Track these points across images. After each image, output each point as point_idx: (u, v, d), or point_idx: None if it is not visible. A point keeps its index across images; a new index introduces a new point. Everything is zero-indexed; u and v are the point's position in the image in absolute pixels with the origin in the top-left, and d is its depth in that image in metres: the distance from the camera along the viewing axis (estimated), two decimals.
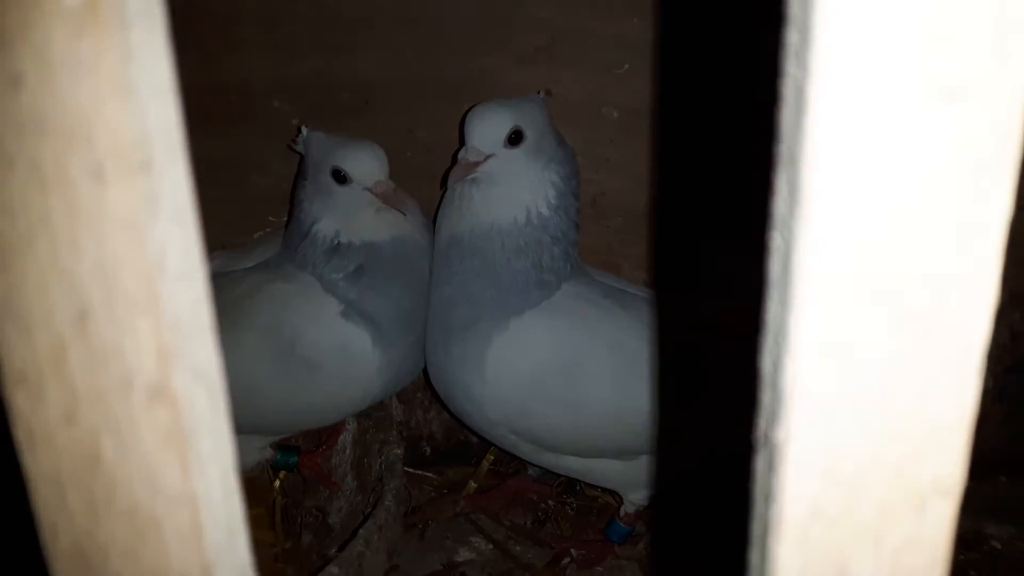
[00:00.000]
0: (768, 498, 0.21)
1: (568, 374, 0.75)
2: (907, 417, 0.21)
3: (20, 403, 0.19)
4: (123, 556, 0.20)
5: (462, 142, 0.73)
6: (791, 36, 0.19)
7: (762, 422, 0.21)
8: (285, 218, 0.86)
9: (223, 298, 0.79)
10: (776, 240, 0.20)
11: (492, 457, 0.93)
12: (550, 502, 0.91)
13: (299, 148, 0.79)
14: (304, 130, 0.78)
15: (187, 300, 0.19)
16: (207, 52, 0.87)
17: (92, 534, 0.19)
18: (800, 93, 0.19)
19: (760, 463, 0.21)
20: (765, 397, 0.21)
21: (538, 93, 0.78)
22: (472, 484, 0.92)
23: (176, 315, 0.19)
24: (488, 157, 0.71)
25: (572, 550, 0.85)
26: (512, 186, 0.72)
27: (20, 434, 0.19)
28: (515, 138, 0.71)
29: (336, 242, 0.76)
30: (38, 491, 0.19)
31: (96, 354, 0.18)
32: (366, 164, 0.73)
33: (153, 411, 0.19)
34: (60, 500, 0.19)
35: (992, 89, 0.18)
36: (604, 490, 0.90)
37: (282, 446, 0.87)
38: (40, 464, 0.19)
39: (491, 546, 0.86)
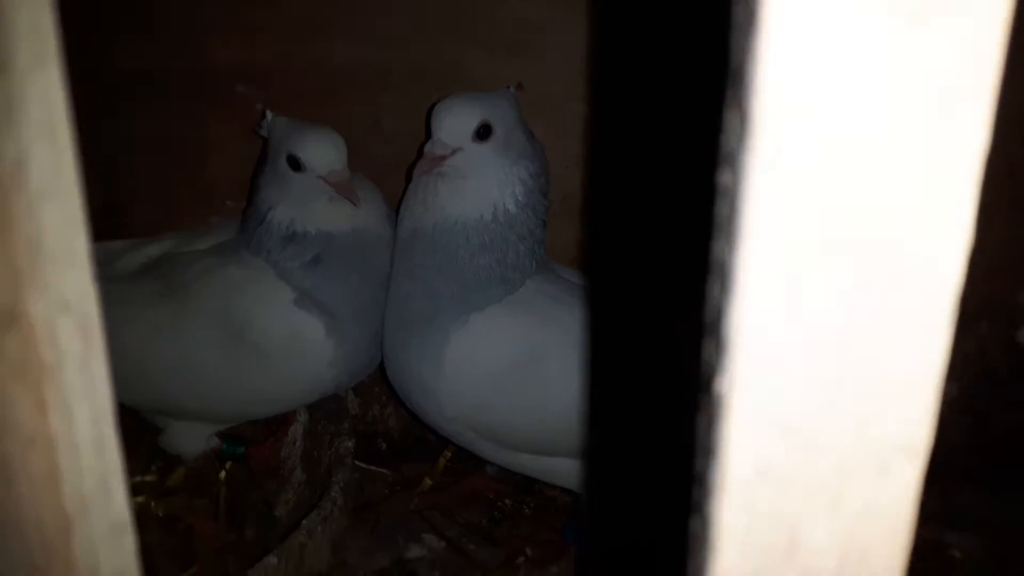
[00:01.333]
0: (710, 455, 0.19)
1: (529, 371, 0.73)
2: (869, 367, 0.19)
3: None
4: None
5: (429, 134, 0.71)
6: None
7: (703, 375, 0.19)
8: (244, 204, 0.84)
9: (173, 279, 0.77)
10: (725, 177, 0.19)
11: (449, 454, 0.91)
12: (507, 501, 0.89)
13: (263, 132, 0.77)
14: (269, 114, 0.77)
15: (53, 222, 0.17)
16: (170, 33, 0.85)
17: None
18: (751, 14, 0.17)
19: (701, 421, 0.20)
20: (707, 349, 0.19)
21: (508, 87, 0.77)
22: (428, 481, 0.90)
23: (37, 236, 0.17)
24: (455, 151, 0.70)
25: (527, 549, 0.83)
26: (479, 181, 0.71)
27: None
28: (483, 132, 0.70)
29: (292, 230, 0.74)
30: None
31: None
32: (321, 151, 0.71)
33: (4, 340, 0.17)
34: None
35: (968, 8, 0.16)
36: (563, 490, 0.88)
37: (229, 436, 0.84)
38: None
39: (444, 544, 0.84)
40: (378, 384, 0.91)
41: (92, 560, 0.21)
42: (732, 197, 0.19)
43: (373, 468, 0.91)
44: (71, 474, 0.18)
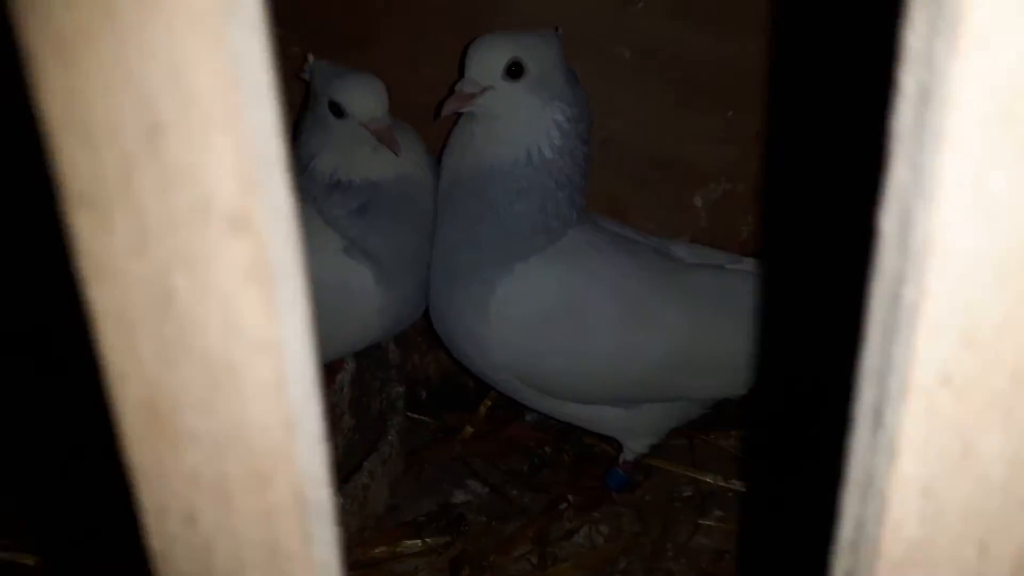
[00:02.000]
0: (890, 365, 0.19)
1: (573, 320, 0.73)
2: None
3: (84, 230, 0.16)
4: (196, 407, 0.18)
5: (461, 74, 0.70)
6: None
7: (882, 285, 0.19)
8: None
9: None
10: (907, 84, 0.18)
11: (490, 402, 0.92)
12: (547, 448, 0.90)
13: (305, 76, 0.76)
14: (310, 58, 0.75)
15: (263, 123, 0.17)
16: None
17: (162, 382, 0.17)
18: None
19: (874, 329, 0.20)
20: (887, 259, 0.19)
21: (556, 29, 0.75)
22: (469, 428, 0.91)
23: (254, 137, 0.17)
24: (485, 89, 0.69)
25: (569, 495, 0.85)
26: (511, 122, 0.70)
27: (85, 266, 0.17)
28: (515, 71, 0.69)
29: (336, 179, 0.74)
30: (104, 333, 0.17)
31: (169, 175, 0.16)
32: (364, 98, 0.70)
33: (233, 243, 0.17)
34: (128, 343, 0.17)
35: None
36: (602, 438, 0.89)
37: None
38: (106, 301, 0.17)
39: (487, 489, 0.85)
40: (419, 333, 0.91)
41: (309, 466, 0.21)
42: (918, 101, 0.19)
43: (415, 416, 0.92)
44: (293, 379, 0.18)
